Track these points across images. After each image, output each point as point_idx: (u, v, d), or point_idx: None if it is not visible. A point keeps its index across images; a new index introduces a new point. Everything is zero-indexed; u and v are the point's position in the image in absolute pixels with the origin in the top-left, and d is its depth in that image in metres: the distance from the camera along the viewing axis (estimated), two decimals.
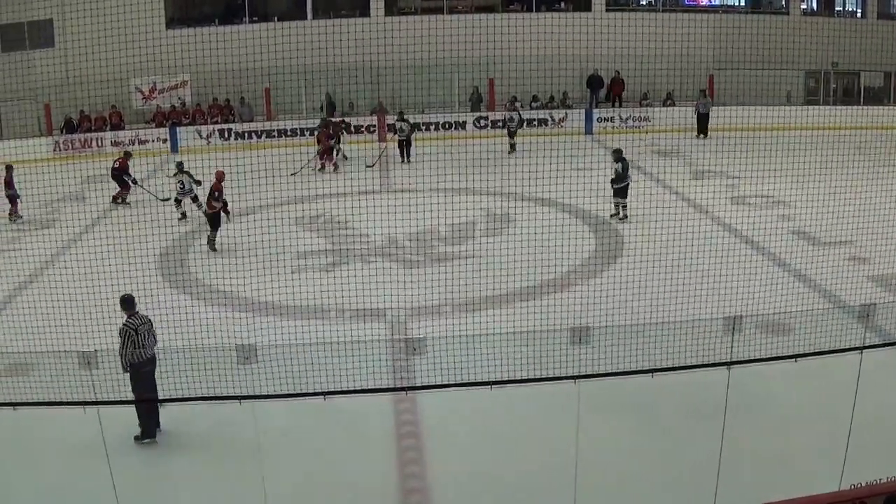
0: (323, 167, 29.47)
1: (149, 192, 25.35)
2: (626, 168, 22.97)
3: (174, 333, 13.93)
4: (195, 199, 23.19)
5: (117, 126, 36.49)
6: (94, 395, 9.90)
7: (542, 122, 36.55)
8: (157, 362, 12.13)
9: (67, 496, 10.81)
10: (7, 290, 18.56)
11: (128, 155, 27.05)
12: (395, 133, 31.88)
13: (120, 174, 26.06)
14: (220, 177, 20.71)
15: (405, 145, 31.38)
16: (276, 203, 23.67)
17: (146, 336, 12.00)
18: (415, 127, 31.86)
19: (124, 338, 11.85)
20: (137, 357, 11.81)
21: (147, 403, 11.77)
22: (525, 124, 33.63)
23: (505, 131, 33.13)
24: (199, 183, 22.94)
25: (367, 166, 28.77)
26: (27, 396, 11.77)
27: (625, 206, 22.55)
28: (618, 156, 23.24)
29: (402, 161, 31.06)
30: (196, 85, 36.75)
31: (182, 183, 23.43)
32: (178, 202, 23.72)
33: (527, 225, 18.49)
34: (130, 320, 12.02)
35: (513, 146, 32.11)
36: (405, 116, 31.69)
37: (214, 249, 20.41)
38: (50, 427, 11.64)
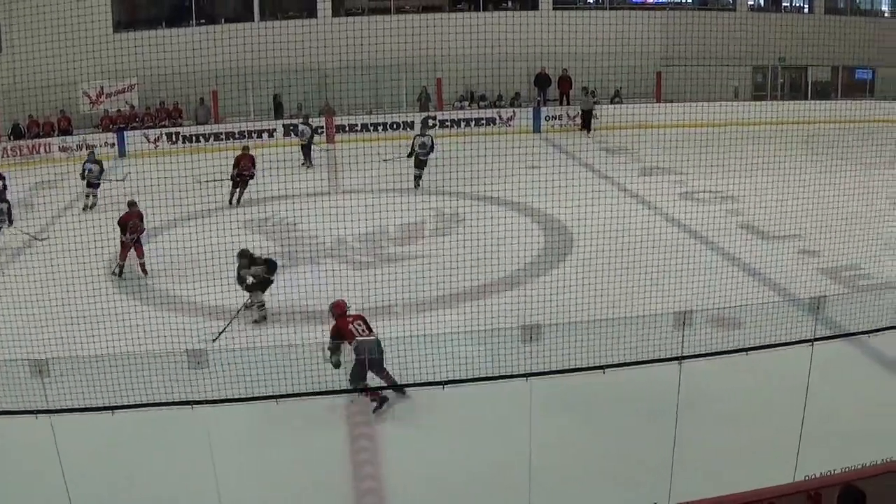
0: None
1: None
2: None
3: (123, 338, 13.98)
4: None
5: (66, 131, 36.15)
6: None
7: (490, 121, 36.60)
8: None
9: None
10: None
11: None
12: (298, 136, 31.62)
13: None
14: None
15: (307, 149, 31.04)
16: (223, 206, 23.54)
17: None
18: (315, 131, 31.82)
19: None
20: None
21: None
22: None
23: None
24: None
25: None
26: None
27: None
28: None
29: (304, 164, 30.76)
30: (144, 88, 36.45)
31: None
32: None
33: (476, 224, 18.44)
34: None
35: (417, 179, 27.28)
36: (309, 120, 31.51)
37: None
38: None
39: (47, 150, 35.26)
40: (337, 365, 12.62)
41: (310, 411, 12.22)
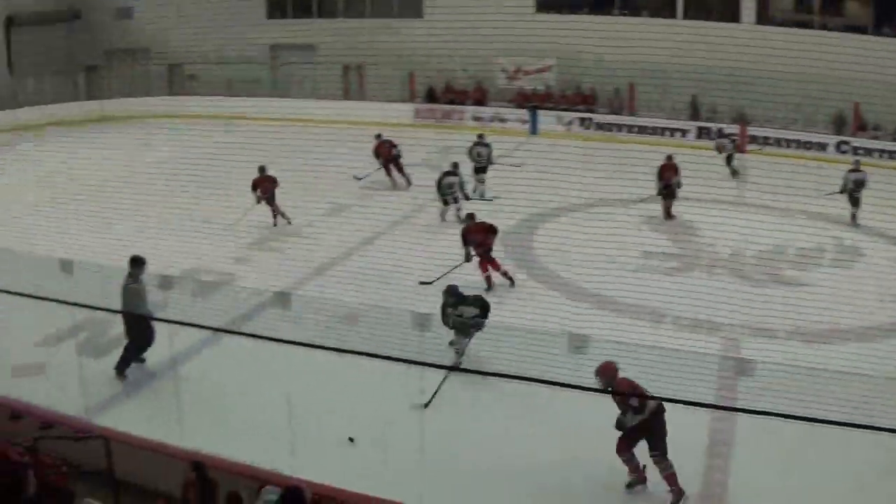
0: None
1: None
2: None
3: (508, 311, 14.59)
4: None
5: (479, 102, 37.35)
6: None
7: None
8: None
9: None
10: (348, 247, 19.82)
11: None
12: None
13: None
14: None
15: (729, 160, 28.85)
16: (625, 199, 23.58)
17: None
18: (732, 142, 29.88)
19: None
20: None
21: None
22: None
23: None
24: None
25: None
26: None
27: None
28: None
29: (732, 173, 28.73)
30: (560, 70, 36.91)
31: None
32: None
33: (875, 262, 17.50)
34: None
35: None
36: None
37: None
38: None
39: (460, 117, 36.54)
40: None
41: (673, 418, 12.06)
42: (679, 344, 13.41)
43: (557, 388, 9.00)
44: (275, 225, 23.36)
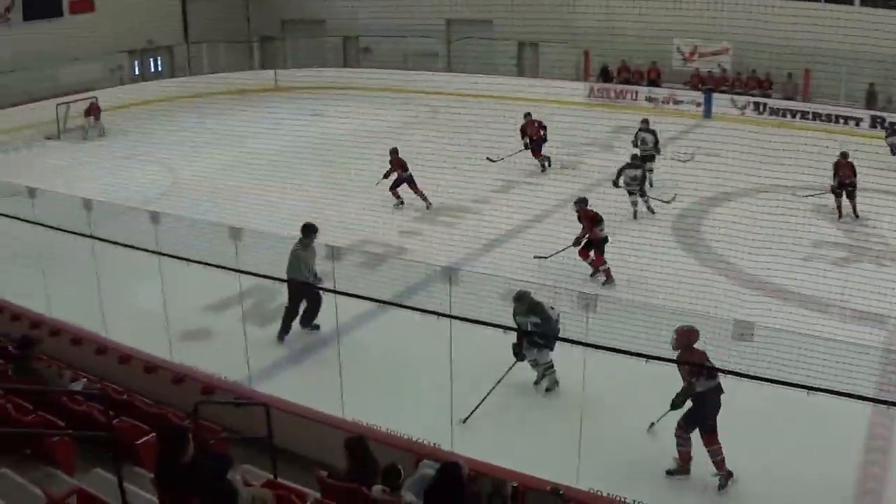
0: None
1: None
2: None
3: (678, 295, 14.42)
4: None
5: (654, 82, 36.92)
6: None
7: None
8: None
9: None
10: (517, 224, 19.81)
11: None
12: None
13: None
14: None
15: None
16: (796, 186, 22.92)
17: None
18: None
19: None
20: None
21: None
22: None
23: None
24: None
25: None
26: None
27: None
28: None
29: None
30: (737, 54, 36.09)
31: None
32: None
33: None
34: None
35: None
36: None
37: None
38: None
39: (634, 97, 36.20)
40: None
41: (832, 409, 11.65)
42: (844, 335, 12.99)
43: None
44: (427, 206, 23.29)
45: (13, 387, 11.02)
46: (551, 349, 13.33)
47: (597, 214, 18.26)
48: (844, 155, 22.03)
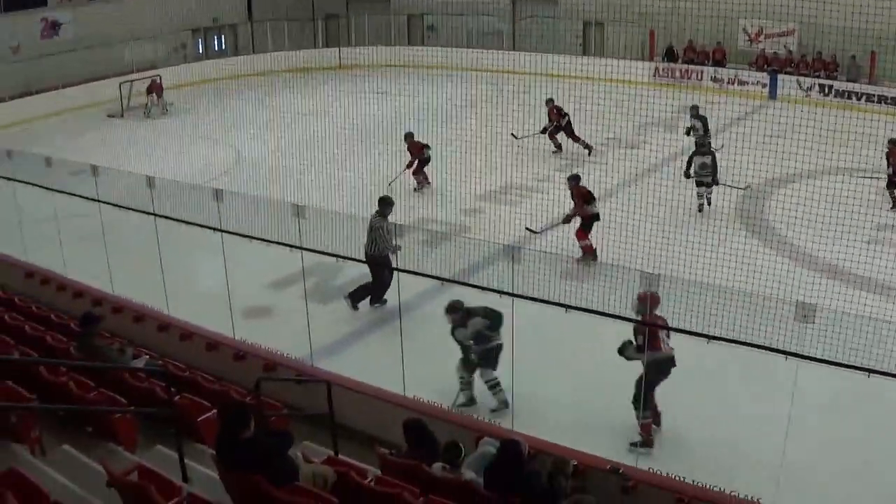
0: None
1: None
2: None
3: (740, 275, 14.28)
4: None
5: (719, 63, 36.52)
6: None
7: None
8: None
9: None
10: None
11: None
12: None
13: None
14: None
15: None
16: (860, 169, 22.47)
17: None
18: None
19: None
20: None
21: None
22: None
23: None
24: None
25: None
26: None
27: None
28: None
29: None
30: (802, 35, 35.48)
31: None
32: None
33: None
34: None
35: None
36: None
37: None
38: None
39: (699, 77, 35.83)
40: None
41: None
42: None
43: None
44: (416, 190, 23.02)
45: (75, 364, 11.05)
46: (493, 367, 12.67)
47: (589, 192, 18.22)
48: (894, 142, 21.31)
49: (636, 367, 11.01)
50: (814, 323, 9.44)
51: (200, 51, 43.50)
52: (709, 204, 20.87)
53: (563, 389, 12.86)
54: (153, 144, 28.43)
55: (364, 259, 15.15)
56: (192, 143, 28.10)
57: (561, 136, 26.15)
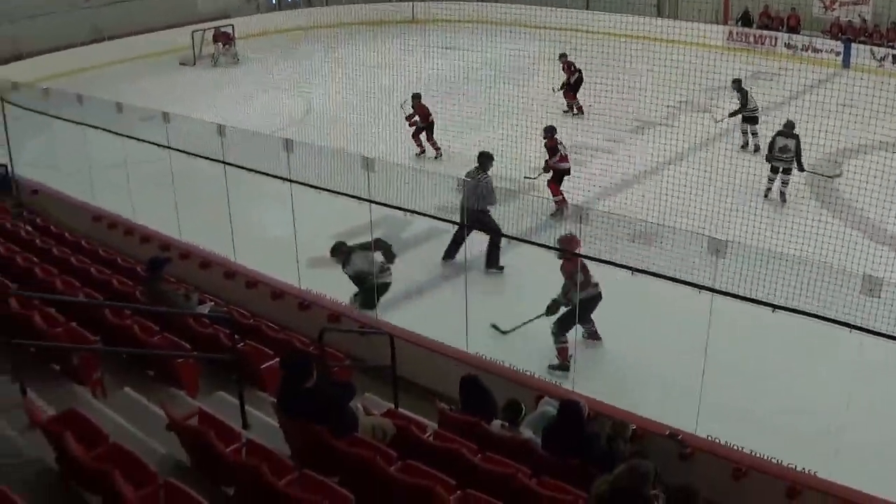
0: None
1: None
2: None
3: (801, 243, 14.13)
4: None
5: (793, 29, 35.87)
6: None
7: None
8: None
9: None
10: (651, 165, 19.63)
11: None
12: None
13: None
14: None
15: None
16: None
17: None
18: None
19: None
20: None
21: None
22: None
23: None
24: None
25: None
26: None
27: None
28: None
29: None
30: (877, 4, 34.71)
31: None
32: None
33: None
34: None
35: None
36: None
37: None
38: None
39: (772, 43, 35.23)
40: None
41: None
42: None
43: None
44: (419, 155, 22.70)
45: (141, 308, 11.12)
46: (371, 307, 13.45)
47: (555, 147, 18.49)
48: None
49: (700, 334, 10.80)
50: (879, 297, 9.25)
51: (273, 1, 43.42)
52: (783, 200, 18.89)
53: (627, 352, 12.77)
54: (223, 93, 28.54)
55: (460, 219, 14.87)
56: (262, 93, 28.14)
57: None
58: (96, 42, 34.99)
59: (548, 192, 18.20)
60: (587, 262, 11.91)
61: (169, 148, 15.65)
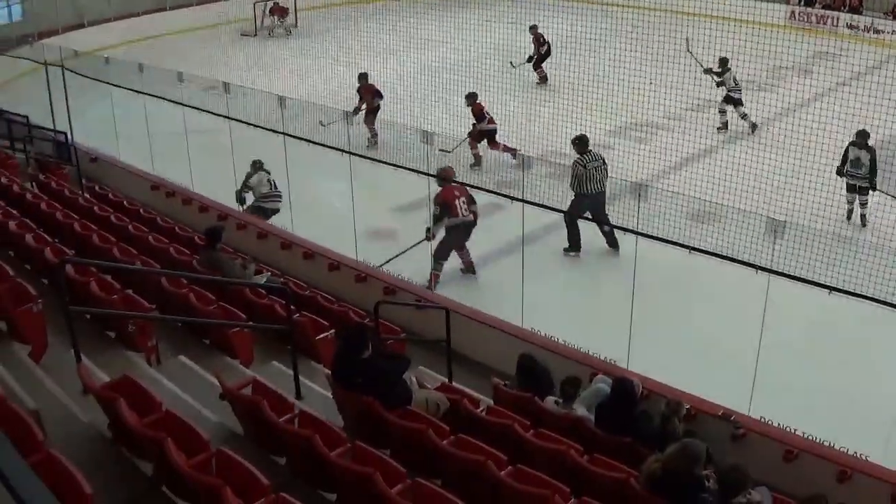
0: None
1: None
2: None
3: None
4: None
5: (855, 9, 35.27)
6: None
7: None
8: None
9: None
10: (710, 144, 19.70)
11: None
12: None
13: None
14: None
15: None
16: None
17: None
18: None
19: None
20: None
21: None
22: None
23: None
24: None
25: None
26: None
27: None
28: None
29: None
30: None
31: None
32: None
33: None
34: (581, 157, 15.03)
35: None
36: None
37: None
38: None
39: (835, 23, 34.74)
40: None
41: None
42: None
43: None
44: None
45: (197, 276, 11.14)
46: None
47: (481, 111, 19.86)
48: None
49: (756, 315, 10.61)
50: None
51: None
52: (864, 224, 16.58)
53: (682, 331, 12.57)
54: (284, 64, 28.57)
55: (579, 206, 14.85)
56: (322, 65, 28.09)
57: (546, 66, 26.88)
58: (159, 11, 35.17)
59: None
60: (471, 191, 13.83)
61: (229, 118, 15.69)
